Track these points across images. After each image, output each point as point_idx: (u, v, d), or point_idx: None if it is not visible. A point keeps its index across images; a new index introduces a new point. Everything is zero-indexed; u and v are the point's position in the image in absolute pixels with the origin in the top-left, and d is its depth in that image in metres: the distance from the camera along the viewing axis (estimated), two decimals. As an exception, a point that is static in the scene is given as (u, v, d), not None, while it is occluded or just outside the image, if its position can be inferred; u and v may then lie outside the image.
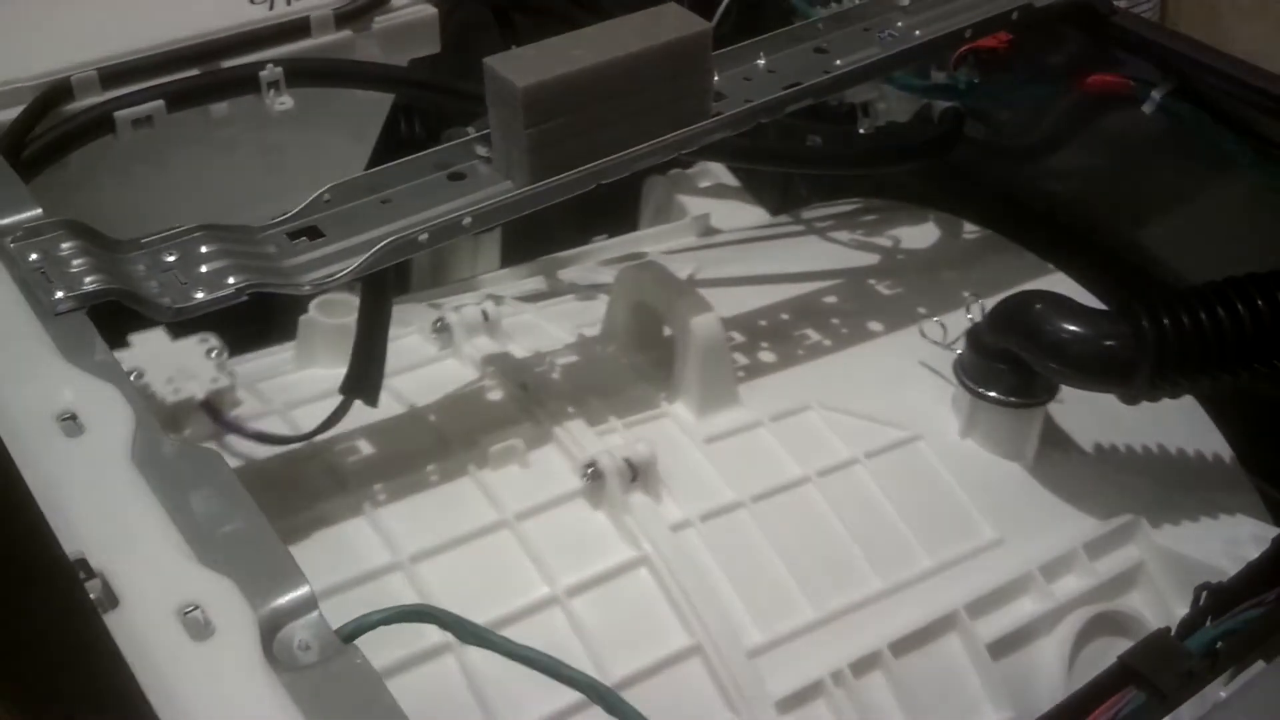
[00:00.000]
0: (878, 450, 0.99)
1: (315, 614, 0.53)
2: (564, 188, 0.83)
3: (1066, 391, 1.01)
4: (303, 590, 0.54)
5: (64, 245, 0.72)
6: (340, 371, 0.89)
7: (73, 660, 0.56)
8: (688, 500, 0.91)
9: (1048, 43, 1.11)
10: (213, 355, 0.90)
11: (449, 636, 0.79)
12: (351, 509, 0.87)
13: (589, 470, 0.89)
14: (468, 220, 0.80)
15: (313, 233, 0.79)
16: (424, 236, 0.79)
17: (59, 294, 0.69)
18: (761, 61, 0.95)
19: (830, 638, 0.88)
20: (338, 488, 0.88)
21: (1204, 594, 0.71)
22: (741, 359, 1.04)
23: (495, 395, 0.97)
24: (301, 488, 0.87)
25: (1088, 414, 1.06)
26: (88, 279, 0.70)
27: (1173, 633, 0.66)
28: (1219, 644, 0.64)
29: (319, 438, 0.89)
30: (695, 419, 0.97)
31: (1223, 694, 0.63)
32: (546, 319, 1.08)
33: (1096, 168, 1.21)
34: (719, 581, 0.88)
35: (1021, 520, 0.99)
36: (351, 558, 0.84)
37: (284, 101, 1.04)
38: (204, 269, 0.74)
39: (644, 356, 1.02)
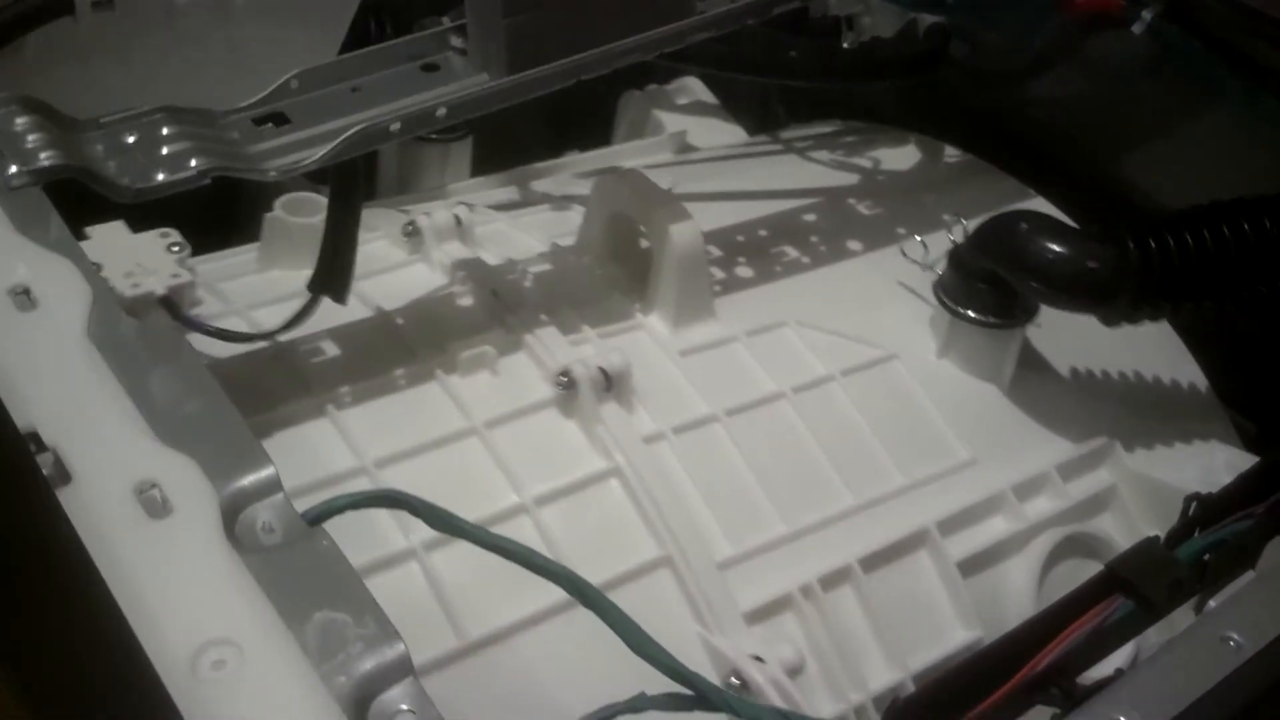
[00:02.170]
0: (853, 368, 0.97)
1: (280, 495, 0.51)
2: (542, 81, 0.80)
3: (1044, 316, 1.00)
4: (267, 471, 0.51)
5: (19, 120, 0.69)
6: (305, 274, 0.86)
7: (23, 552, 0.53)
8: (661, 413, 0.89)
9: (1036, -42, 1.09)
10: (174, 250, 0.87)
11: (412, 542, 0.78)
12: (315, 411, 0.84)
13: (562, 379, 0.87)
14: (442, 111, 0.77)
15: (279, 119, 0.76)
16: (396, 126, 0.76)
17: (13, 169, 0.66)
18: (748, -38, 0.92)
19: (801, 552, 0.87)
20: (301, 389, 0.85)
21: (1193, 505, 0.70)
22: (718, 274, 1.03)
23: (466, 301, 0.94)
24: (263, 388, 0.84)
25: (1065, 339, 1.05)
26: (43, 155, 0.67)
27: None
28: (1206, 556, 0.63)
29: (283, 337, 0.87)
30: (670, 332, 0.95)
31: (1212, 603, 0.62)
32: (519, 228, 1.05)
33: (1082, 91, 1.19)
34: (690, 494, 0.86)
35: (995, 441, 0.98)
36: (313, 461, 0.81)
37: (249, -11, 1.01)
38: (165, 150, 0.71)
39: (619, 268, 0.99)
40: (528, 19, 0.78)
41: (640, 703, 0.56)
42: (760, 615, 0.83)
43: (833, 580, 0.86)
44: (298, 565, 0.49)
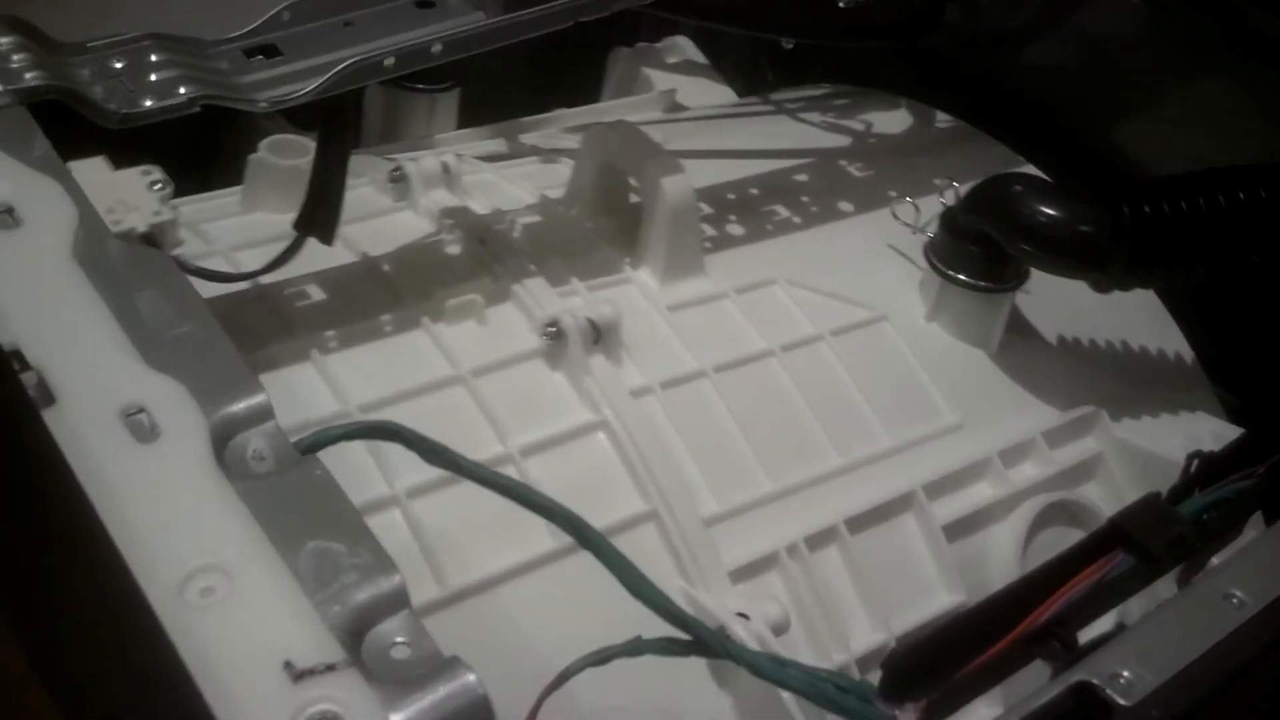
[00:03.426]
0: (842, 328, 0.96)
1: (272, 423, 0.50)
2: (539, 21, 0.78)
3: (1033, 283, 1.00)
4: (259, 398, 0.50)
5: (3, 39, 0.67)
6: (289, 217, 0.84)
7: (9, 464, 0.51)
8: (649, 367, 0.88)
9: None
10: (156, 188, 0.85)
11: (395, 489, 0.77)
12: (298, 354, 0.82)
13: (550, 329, 0.85)
14: (437, 47, 0.76)
15: (270, 51, 0.74)
16: (389, 61, 0.74)
17: (-4, 88, 0.64)
18: (749, -90, 0.91)
19: (787, 511, 0.87)
20: (284, 331, 0.84)
21: (1194, 462, 0.69)
22: (708, 230, 1.01)
23: (453, 249, 0.92)
24: (246, 329, 0.82)
25: (1054, 307, 1.05)
26: (28, 74, 0.65)
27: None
28: (1206, 515, 0.62)
29: (266, 278, 0.85)
30: (659, 286, 0.94)
31: (1215, 560, 0.61)
32: (507, 179, 1.04)
33: (1077, 59, 1.18)
34: (678, 449, 0.85)
35: (982, 406, 0.97)
36: (296, 403, 0.79)
37: (240, -79, 0.98)
38: (153, 77, 0.69)
39: (609, 221, 0.98)
40: (527, -44, 0.77)
41: (638, 646, 0.55)
42: (746, 573, 0.83)
43: (818, 540, 0.85)
44: (290, 493, 0.47)
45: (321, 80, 0.72)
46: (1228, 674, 0.54)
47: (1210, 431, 0.98)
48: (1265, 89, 1.03)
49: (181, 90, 0.68)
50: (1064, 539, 0.93)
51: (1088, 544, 0.58)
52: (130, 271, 0.55)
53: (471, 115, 1.24)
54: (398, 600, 0.45)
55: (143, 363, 0.51)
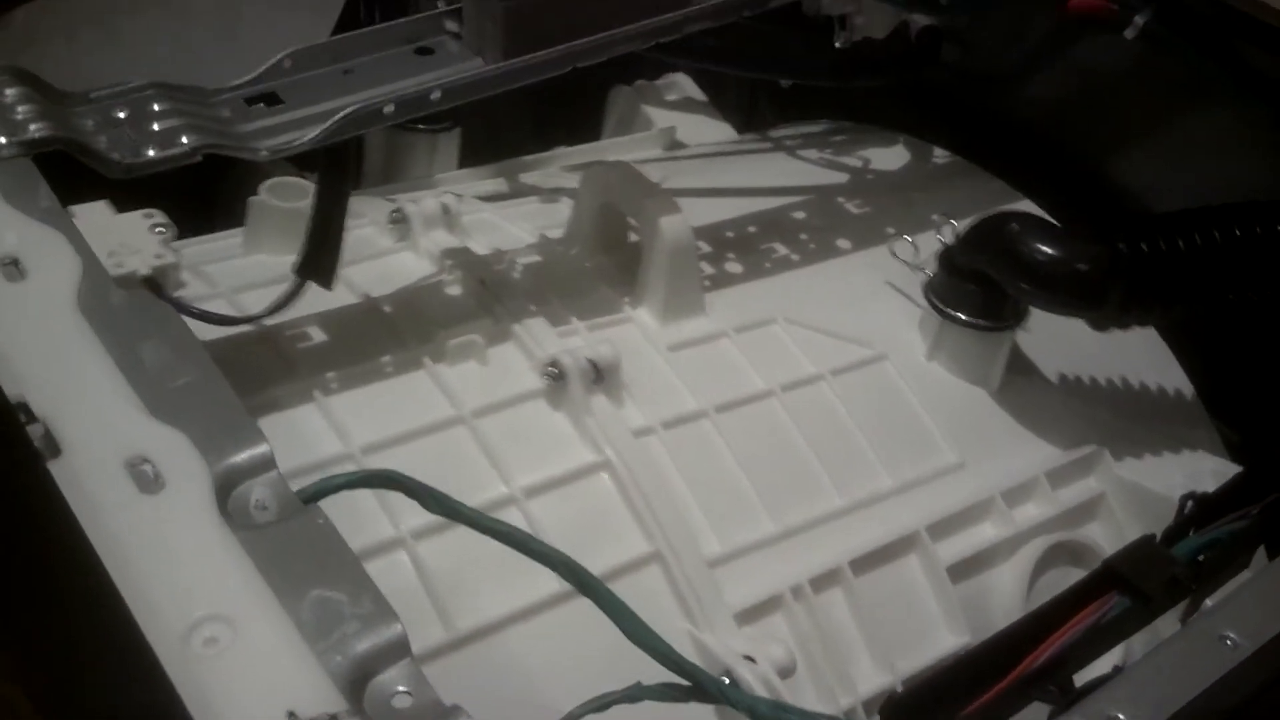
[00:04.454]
0: (843, 368, 0.96)
1: (274, 473, 0.50)
2: (538, 67, 0.79)
3: (1033, 322, 1.00)
4: (261, 448, 0.50)
5: (8, 91, 0.67)
6: (290, 259, 0.84)
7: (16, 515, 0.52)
8: (650, 407, 0.88)
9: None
10: (158, 231, 0.85)
11: (400, 530, 0.77)
12: (301, 396, 0.83)
13: (551, 369, 0.85)
14: (436, 94, 0.76)
15: (271, 99, 0.75)
16: (389, 108, 0.75)
17: (1, 139, 0.65)
18: (746, -45, 0.91)
19: (791, 552, 0.87)
20: (287, 373, 0.84)
21: (1189, 503, 0.69)
22: (707, 269, 1.02)
23: (453, 290, 0.93)
24: (248, 371, 0.83)
25: (1053, 344, 1.05)
26: (33, 126, 0.65)
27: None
28: (1202, 556, 0.62)
29: (268, 321, 0.85)
30: (659, 325, 0.94)
31: (1209, 602, 0.61)
32: (507, 219, 1.04)
33: (1073, 94, 1.19)
34: (680, 490, 0.86)
35: (984, 445, 0.97)
36: (299, 446, 0.80)
37: (242, -32, 1.00)
38: (156, 126, 0.70)
39: (609, 260, 0.98)
40: (525, 3, 0.77)
41: (637, 692, 0.55)
42: (750, 615, 0.82)
43: (823, 581, 0.85)
44: (293, 543, 0.48)
45: (322, 128, 0.72)
46: (1222, 715, 0.54)
47: (1211, 470, 0.98)
48: (1260, 125, 1.04)
49: (184, 139, 0.69)
50: (1067, 579, 0.91)
51: (1083, 586, 0.58)
52: (133, 321, 0.55)
53: (472, 153, 1.25)
54: (399, 649, 0.45)
55: (146, 413, 0.51)
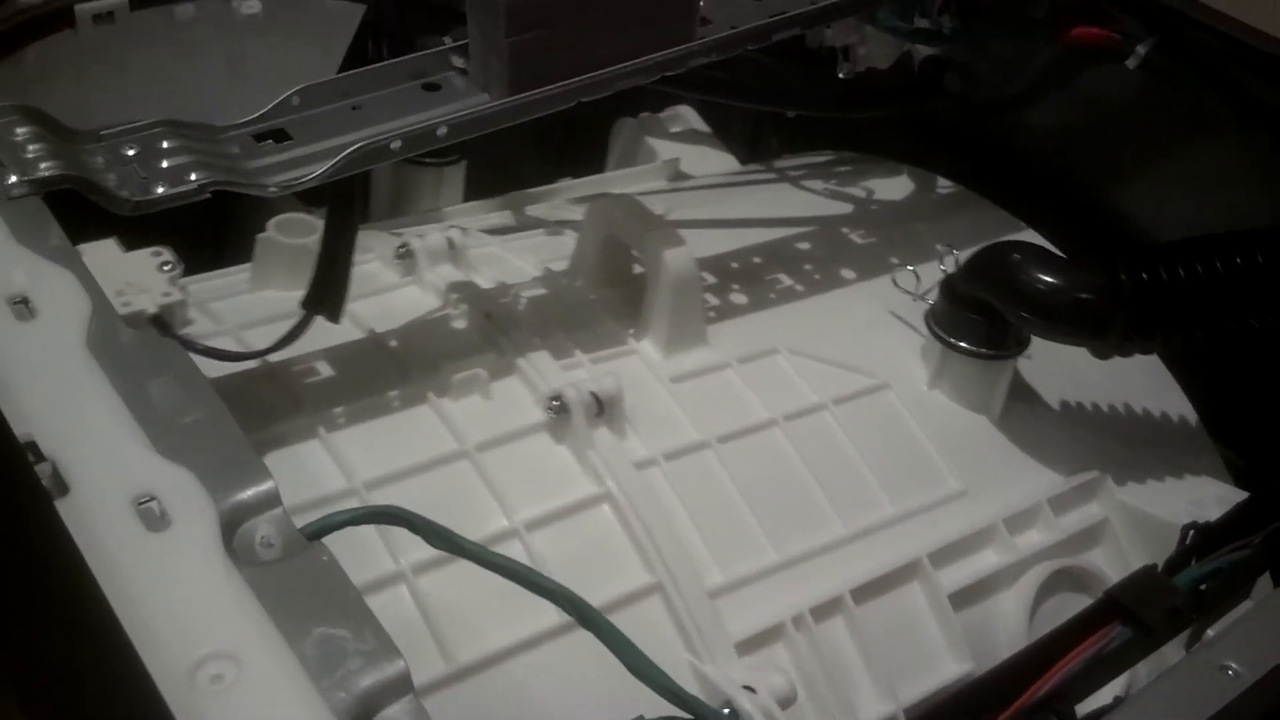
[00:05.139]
0: (845, 397, 0.97)
1: (279, 510, 0.51)
2: (543, 102, 0.80)
3: (1035, 349, 1.01)
4: (266, 485, 0.51)
5: (19, 130, 0.69)
6: (297, 294, 0.85)
7: (21, 559, 0.52)
8: (652, 438, 0.89)
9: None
10: (165, 269, 0.87)
11: (401, 564, 0.78)
12: (306, 431, 0.83)
13: (554, 403, 0.86)
14: (443, 130, 0.77)
15: (279, 135, 0.76)
16: (396, 144, 0.76)
17: (12, 178, 0.66)
18: (749, -11, 0.92)
19: (792, 581, 0.87)
20: (292, 409, 0.85)
21: (1190, 533, 0.70)
22: (711, 300, 1.02)
23: (458, 324, 0.94)
24: (254, 408, 0.84)
25: (1055, 372, 1.05)
26: (43, 165, 0.67)
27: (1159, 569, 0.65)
28: (1203, 585, 0.63)
29: (274, 357, 0.86)
30: (662, 357, 0.95)
31: (1210, 632, 0.62)
32: (512, 252, 1.05)
33: (1075, 124, 1.19)
34: (682, 521, 0.86)
35: (986, 473, 0.98)
36: (305, 481, 0.80)
37: (251, 5, 1.01)
38: (165, 164, 0.71)
39: (612, 292, 0.99)
40: (530, 39, 0.78)
41: (639, 725, 0.55)
42: (752, 645, 0.83)
43: (824, 610, 0.85)
44: (297, 580, 0.48)
45: (330, 164, 0.73)
46: (1223, 746, 0.54)
47: (1215, 495, 0.98)
48: (1261, 153, 1.04)
49: (193, 176, 0.70)
50: (1071, 605, 0.93)
51: (1085, 617, 0.59)
52: (141, 359, 0.56)
53: (478, 185, 1.26)
54: (402, 686, 0.46)
55: (153, 451, 0.52)
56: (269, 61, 1.08)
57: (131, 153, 0.71)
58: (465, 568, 0.77)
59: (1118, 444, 1.03)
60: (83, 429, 0.52)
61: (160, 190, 0.69)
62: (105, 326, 0.57)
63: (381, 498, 0.81)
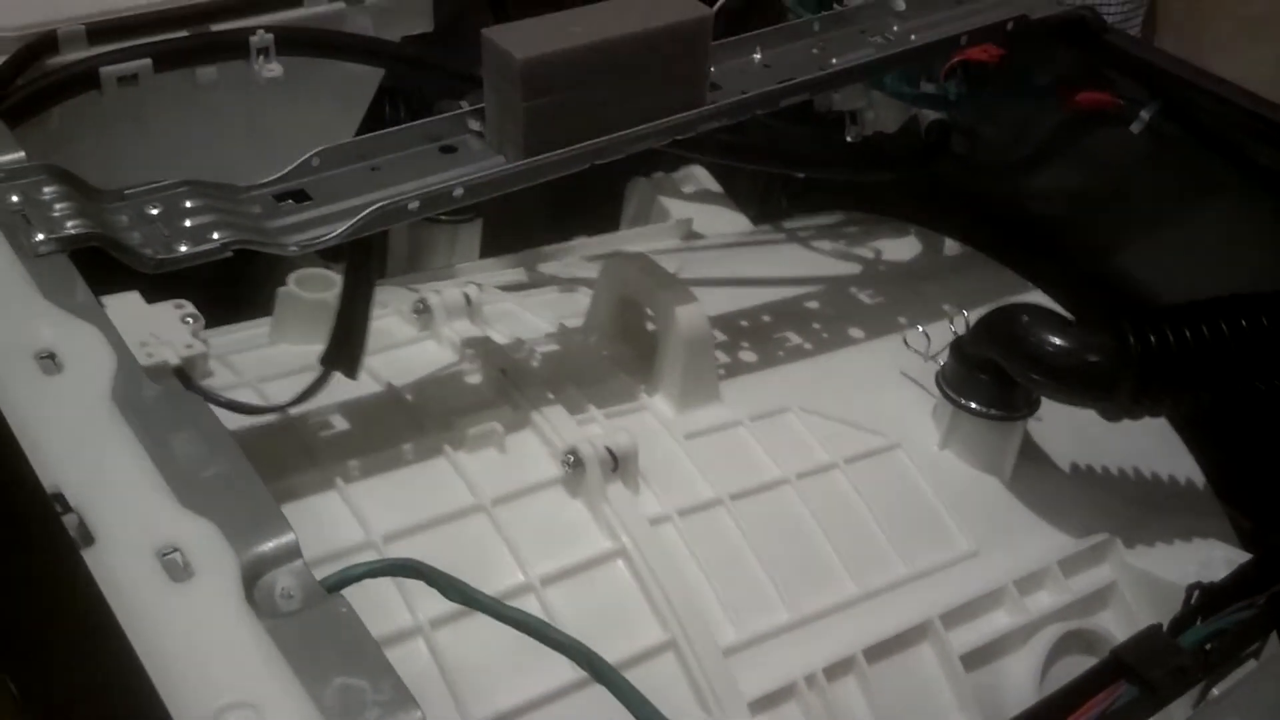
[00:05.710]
0: (857, 456, 0.98)
1: (299, 562, 0.52)
2: (558, 165, 0.82)
3: (1044, 410, 1.01)
4: (287, 537, 0.52)
5: (46, 189, 0.70)
6: (315, 348, 0.87)
7: (48, 605, 0.53)
8: (666, 495, 0.90)
9: (1037, 59, 1.12)
10: (188, 322, 0.88)
11: (418, 618, 0.78)
12: (323, 484, 0.84)
13: (569, 458, 0.87)
14: (459, 191, 0.79)
15: (299, 196, 0.77)
16: (414, 204, 0.77)
17: (39, 236, 0.67)
18: (758, 56, 0.94)
19: (805, 640, 0.87)
20: (310, 462, 0.86)
21: (1195, 593, 0.70)
22: (723, 357, 1.03)
23: (474, 379, 0.95)
24: (272, 460, 0.84)
25: (1065, 433, 1.06)
26: (69, 223, 0.68)
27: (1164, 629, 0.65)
28: (1209, 645, 0.63)
29: (293, 410, 0.87)
30: (675, 414, 0.96)
31: (1215, 691, 0.62)
32: (527, 308, 1.06)
33: (1081, 186, 1.21)
34: (695, 578, 0.87)
35: (997, 533, 0.98)
36: (322, 534, 0.81)
37: (272, 69, 1.03)
38: (188, 223, 0.72)
39: (626, 348, 1.00)
40: (545, 104, 0.80)
41: (652, 781, 0.56)
42: (765, 704, 0.83)
43: (837, 670, 0.86)
44: (317, 631, 0.49)
45: (349, 224, 0.75)
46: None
47: (1223, 558, 0.98)
48: (1266, 217, 1.05)
49: (215, 235, 0.71)
50: (1081, 668, 0.91)
51: (1091, 676, 0.59)
52: (165, 413, 0.57)
53: (493, 243, 1.27)
54: (420, 737, 0.46)
55: (177, 503, 0.53)
56: (289, 123, 1.10)
57: (155, 211, 0.73)
58: (480, 622, 0.77)
59: (1126, 506, 1.04)
60: (108, 481, 0.53)
61: (183, 249, 0.71)
62: (130, 381, 0.58)
63: (398, 551, 0.81)
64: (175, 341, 0.85)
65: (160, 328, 0.86)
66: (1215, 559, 0.99)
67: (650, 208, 1.36)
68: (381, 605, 0.77)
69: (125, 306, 0.84)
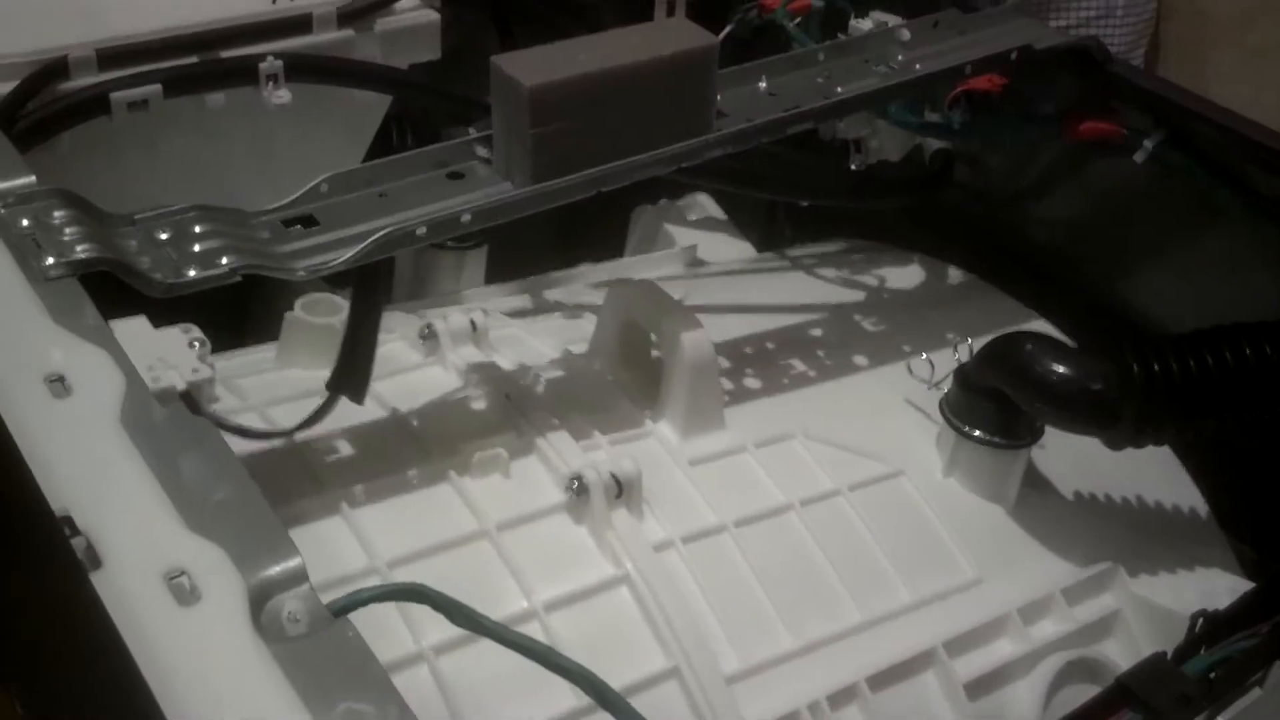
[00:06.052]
0: (861, 483, 0.98)
1: (306, 586, 0.52)
2: (564, 191, 0.82)
3: (1048, 439, 1.01)
4: (294, 561, 0.52)
5: (56, 213, 0.71)
6: (321, 373, 0.87)
7: (56, 625, 0.53)
8: (670, 521, 0.90)
9: (1041, 88, 1.12)
10: (195, 346, 0.88)
11: (421, 645, 0.78)
12: (328, 509, 0.85)
13: (574, 484, 0.87)
14: (467, 217, 0.79)
15: (308, 221, 0.78)
16: (422, 230, 0.78)
17: (49, 260, 0.68)
18: (763, 84, 0.95)
19: (808, 668, 0.87)
20: (315, 487, 0.86)
21: (1199, 621, 0.70)
22: (727, 384, 1.04)
23: (479, 404, 0.95)
24: (278, 485, 0.84)
25: (1068, 461, 1.06)
26: (79, 247, 0.68)
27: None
28: (1213, 673, 0.63)
29: (299, 436, 0.87)
30: (680, 440, 0.96)
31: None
32: (533, 334, 1.07)
33: (1084, 215, 1.21)
34: (699, 605, 0.87)
35: (1001, 561, 0.98)
36: (327, 559, 0.81)
37: (281, 95, 1.04)
38: (197, 248, 0.73)
39: (631, 375, 1.01)
40: (552, 131, 0.80)
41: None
42: (768, 733, 0.83)
43: (840, 698, 0.86)
44: (323, 655, 0.49)
45: (356, 250, 0.75)
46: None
47: (1226, 587, 0.98)
48: (1270, 245, 1.05)
49: (224, 260, 0.72)
50: (1084, 696, 0.91)
51: (1096, 704, 0.59)
52: (173, 436, 0.58)
53: (499, 269, 1.28)
54: (425, 762, 0.46)
55: (184, 526, 0.53)
56: (297, 149, 1.11)
57: (164, 236, 0.73)
58: (483, 648, 0.78)
59: (1130, 534, 1.04)
60: (116, 505, 0.53)
61: (192, 273, 0.71)
62: (139, 404, 0.59)
63: (402, 576, 0.81)
64: (182, 366, 0.85)
65: (167, 352, 0.86)
66: (1219, 587, 0.99)
67: (655, 234, 1.36)
68: (385, 630, 0.77)
69: (132, 330, 0.85)
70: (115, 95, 1.00)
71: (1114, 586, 0.99)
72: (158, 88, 1.01)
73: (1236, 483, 1.11)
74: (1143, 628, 0.97)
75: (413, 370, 0.99)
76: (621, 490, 0.87)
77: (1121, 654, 0.97)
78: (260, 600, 0.51)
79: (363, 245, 0.76)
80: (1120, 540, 1.02)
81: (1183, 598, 0.97)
